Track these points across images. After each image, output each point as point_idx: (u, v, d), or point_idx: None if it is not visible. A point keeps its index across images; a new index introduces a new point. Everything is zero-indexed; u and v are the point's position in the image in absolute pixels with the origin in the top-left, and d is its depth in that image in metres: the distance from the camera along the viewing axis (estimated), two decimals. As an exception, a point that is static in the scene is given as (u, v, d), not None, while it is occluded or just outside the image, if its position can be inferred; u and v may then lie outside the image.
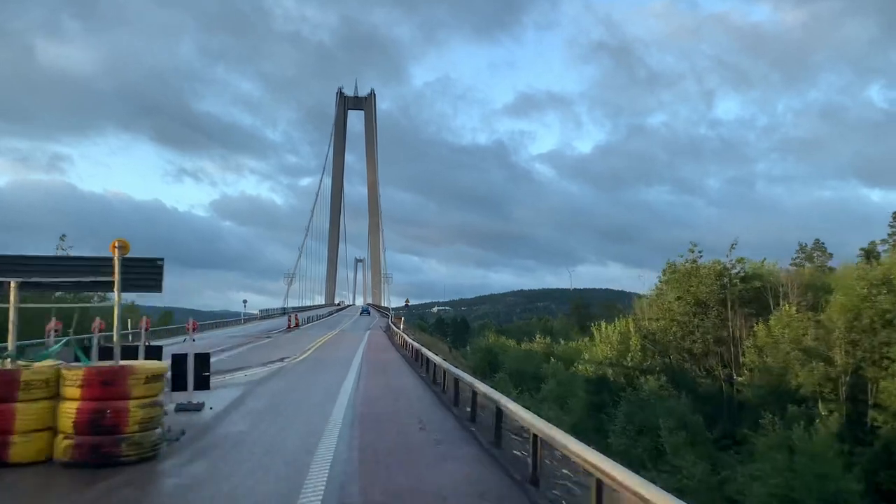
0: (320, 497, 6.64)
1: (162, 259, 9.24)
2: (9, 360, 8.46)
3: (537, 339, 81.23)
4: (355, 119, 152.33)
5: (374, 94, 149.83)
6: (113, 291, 8.82)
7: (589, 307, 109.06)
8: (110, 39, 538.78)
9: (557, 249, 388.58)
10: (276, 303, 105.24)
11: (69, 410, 7.90)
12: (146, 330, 12.87)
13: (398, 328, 41.44)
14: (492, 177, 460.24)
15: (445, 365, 15.90)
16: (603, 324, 56.23)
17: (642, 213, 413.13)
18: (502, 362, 71.17)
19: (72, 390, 7.97)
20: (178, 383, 12.69)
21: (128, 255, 8.98)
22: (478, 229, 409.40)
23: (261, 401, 13.93)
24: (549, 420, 8.45)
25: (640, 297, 64.81)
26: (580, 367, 54.74)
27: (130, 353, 11.95)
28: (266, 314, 75.62)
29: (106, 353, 10.39)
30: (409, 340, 29.93)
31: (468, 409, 12.97)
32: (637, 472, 5.32)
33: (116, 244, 8.79)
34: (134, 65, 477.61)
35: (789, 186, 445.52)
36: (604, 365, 51.94)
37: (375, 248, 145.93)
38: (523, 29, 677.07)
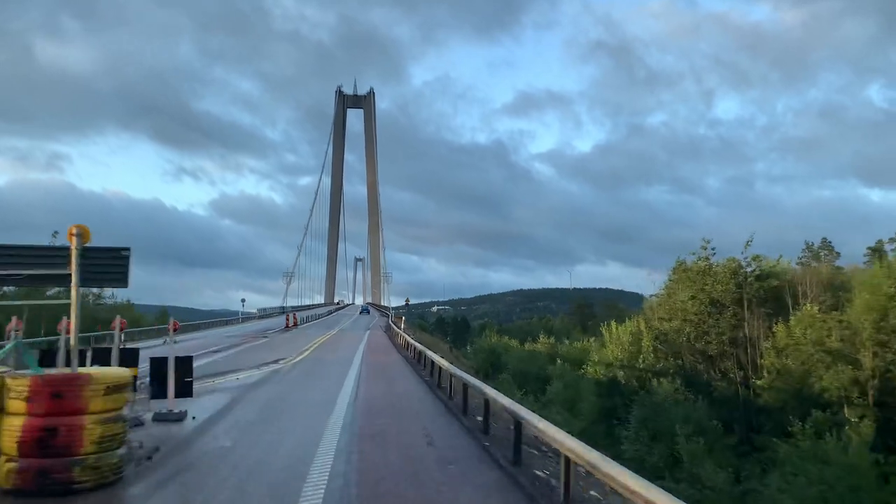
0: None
1: (128, 249, 7.95)
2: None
3: (541, 339, 79.90)
4: (354, 118, 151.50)
5: (374, 93, 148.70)
6: (70, 286, 7.54)
7: (591, 307, 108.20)
8: (110, 39, 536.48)
9: (557, 249, 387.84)
10: (275, 302, 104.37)
11: (13, 428, 6.62)
12: (122, 330, 11.57)
13: (399, 328, 40.31)
14: (491, 176, 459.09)
15: (454, 370, 14.64)
16: (613, 324, 54.49)
17: (642, 212, 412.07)
18: (505, 363, 69.82)
19: (16, 404, 6.69)
20: (158, 390, 11.48)
21: (88, 245, 7.70)
22: (477, 229, 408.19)
23: (250, 409, 12.67)
24: (558, 424, 7.44)
25: (642, 297, 63.48)
26: (589, 368, 53.11)
27: (103, 356, 10.70)
28: (264, 313, 74.83)
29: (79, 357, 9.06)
30: (411, 341, 28.82)
31: (479, 419, 11.80)
32: (653, 481, 4.72)
33: (74, 231, 7.47)
34: (133, 64, 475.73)
35: (789, 186, 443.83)
36: (614, 367, 50.28)
37: (375, 248, 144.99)
38: (522, 28, 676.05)
